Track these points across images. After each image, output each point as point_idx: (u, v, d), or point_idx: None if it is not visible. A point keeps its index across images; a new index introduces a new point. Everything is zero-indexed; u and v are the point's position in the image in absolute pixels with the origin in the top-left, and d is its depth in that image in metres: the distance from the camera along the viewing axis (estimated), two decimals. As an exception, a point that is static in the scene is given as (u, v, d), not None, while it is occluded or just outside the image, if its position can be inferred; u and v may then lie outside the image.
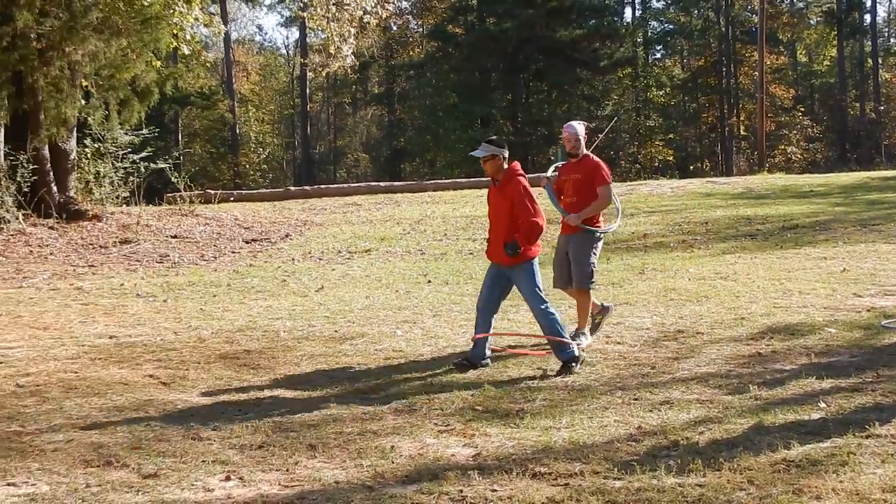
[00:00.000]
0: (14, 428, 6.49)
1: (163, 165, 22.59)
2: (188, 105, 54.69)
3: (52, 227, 19.34)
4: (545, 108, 53.98)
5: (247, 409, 6.91)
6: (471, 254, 16.33)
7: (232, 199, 26.19)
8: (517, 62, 50.83)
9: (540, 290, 8.15)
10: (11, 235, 18.42)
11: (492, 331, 8.34)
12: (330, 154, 66.04)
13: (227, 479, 5.35)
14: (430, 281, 13.60)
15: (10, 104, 19.88)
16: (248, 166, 58.91)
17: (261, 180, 57.25)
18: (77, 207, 20.89)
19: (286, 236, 19.50)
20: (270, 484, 5.25)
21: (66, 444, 6.08)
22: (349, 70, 40.75)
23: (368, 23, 32.24)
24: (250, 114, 63.40)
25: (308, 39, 58.26)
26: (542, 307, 8.07)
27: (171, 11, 23.40)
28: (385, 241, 18.07)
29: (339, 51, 31.33)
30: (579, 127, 9.34)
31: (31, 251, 17.58)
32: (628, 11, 64.47)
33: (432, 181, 30.15)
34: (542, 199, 8.98)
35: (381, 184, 30.62)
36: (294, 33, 66.75)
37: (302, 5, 35.46)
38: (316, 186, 31.61)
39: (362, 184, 33.73)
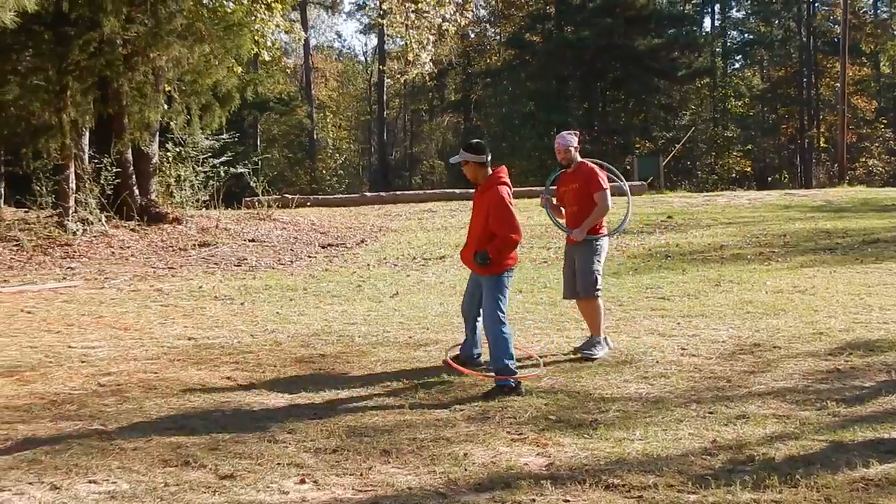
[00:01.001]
0: (96, 426, 6.61)
1: (242, 170, 22.89)
2: (267, 110, 55.35)
3: (133, 230, 19.70)
4: (622, 118, 53.72)
5: (321, 412, 6.96)
6: (545, 262, 16.30)
7: (309, 203, 26.45)
8: (594, 71, 50.68)
9: (501, 310, 7.75)
10: (94, 237, 18.81)
11: (478, 336, 8.33)
12: (405, 160, 66.30)
13: (302, 482, 5.40)
14: (504, 289, 13.58)
15: (96, 108, 20.29)
16: (324, 171, 59.45)
17: (337, 185, 57.72)
18: (158, 210, 21.25)
19: (362, 242, 19.63)
20: (344, 488, 5.29)
21: (146, 443, 6.18)
22: (427, 77, 40.92)
23: (447, 30, 32.32)
24: (328, 119, 63.99)
25: (386, 46, 58.66)
26: (496, 328, 7.70)
27: (253, 18, 23.75)
28: (459, 248, 18.08)
29: (418, 58, 31.49)
30: (570, 137, 9.29)
31: (113, 253, 17.93)
32: (707, 21, 63.90)
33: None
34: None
35: (457, 191, 30.62)
36: (372, 40, 67.31)
37: (381, 13, 35.64)
38: (391, 193, 31.81)
39: (437, 190, 33.78)
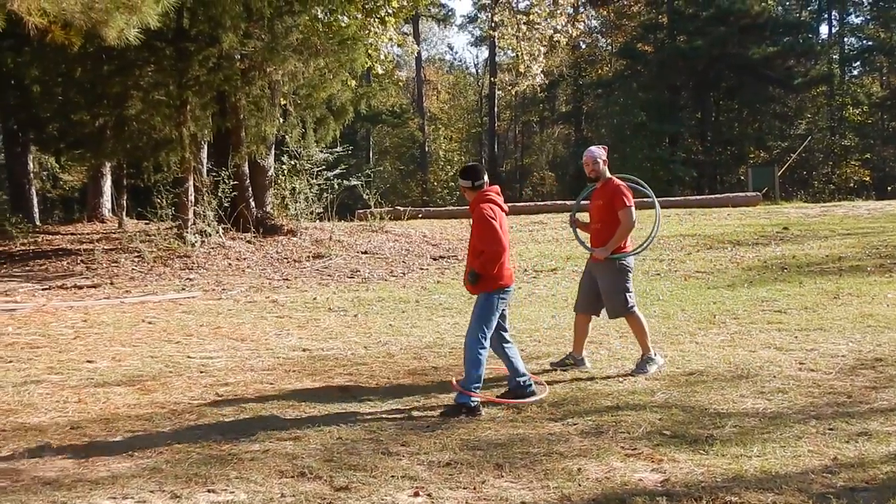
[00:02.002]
0: (214, 436, 6.73)
1: (355, 182, 23.14)
2: (380, 123, 55.93)
3: (249, 241, 20.07)
4: (735, 127, 52.88)
5: (434, 425, 6.98)
6: (658, 274, 16.11)
7: (420, 215, 26.61)
8: (707, 80, 50.02)
9: (485, 330, 7.61)
10: (212, 248, 19.21)
11: (514, 360, 8.02)
12: (516, 172, 66.18)
13: (416, 494, 5.40)
14: (616, 302, 13.47)
15: (214, 122, 20.74)
16: (436, 183, 59.75)
17: (448, 197, 57.84)
18: (273, 222, 21.61)
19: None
20: (458, 502, 5.27)
21: (263, 453, 6.26)
22: (538, 88, 40.88)
23: (558, 42, 32.28)
24: (439, 132, 64.30)
25: (497, 58, 58.70)
26: (475, 347, 7.57)
27: (367, 32, 24.03)
28: (571, 261, 18.01)
29: (529, 69, 31.48)
30: (598, 150, 9.11)
31: (229, 264, 18.28)
32: (824, 28, 62.40)
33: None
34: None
35: (568, 202, 30.52)
36: (484, 52, 67.24)
37: (493, 25, 35.73)
38: (503, 205, 31.73)
39: (548, 202, 33.70)
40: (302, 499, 5.34)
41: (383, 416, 7.32)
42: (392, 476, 5.73)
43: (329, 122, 23.29)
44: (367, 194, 23.87)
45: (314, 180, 22.33)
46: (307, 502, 5.30)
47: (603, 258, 8.85)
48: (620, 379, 8.44)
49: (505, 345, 8.00)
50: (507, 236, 7.77)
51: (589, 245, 9.19)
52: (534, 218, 26.18)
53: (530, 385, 7.92)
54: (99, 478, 5.77)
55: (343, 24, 22.83)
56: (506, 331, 8.02)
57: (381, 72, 29.01)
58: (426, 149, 59.81)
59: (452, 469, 5.86)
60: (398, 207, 26.57)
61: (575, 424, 6.89)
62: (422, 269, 18.18)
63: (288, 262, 18.72)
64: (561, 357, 9.24)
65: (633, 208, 8.83)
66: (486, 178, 7.96)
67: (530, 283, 15.98)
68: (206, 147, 22.79)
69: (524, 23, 31.12)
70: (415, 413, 7.39)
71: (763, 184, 33.68)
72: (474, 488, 5.49)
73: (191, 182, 20.53)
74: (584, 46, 60.22)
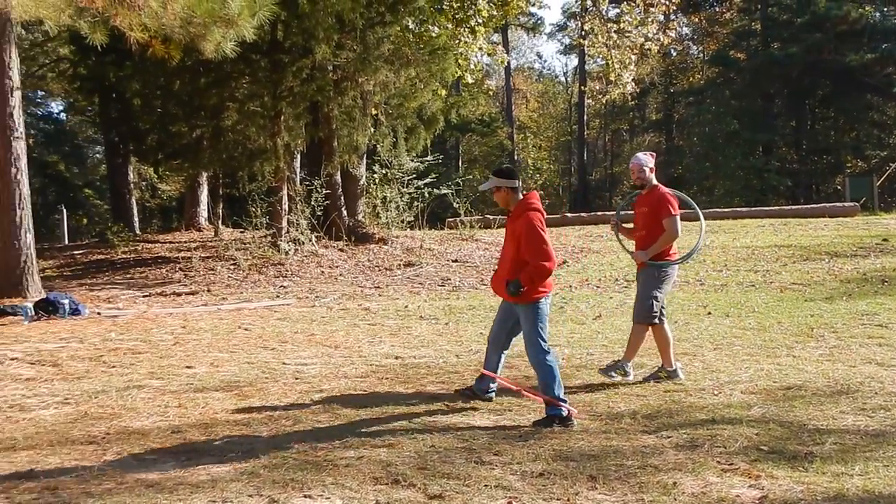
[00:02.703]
0: (310, 442, 6.83)
1: (445, 191, 23.25)
2: (469, 132, 56.04)
3: (341, 249, 20.30)
4: (831, 136, 51.84)
5: (527, 435, 7.00)
6: (752, 286, 15.91)
7: (618, 220, 26.57)
8: (802, 87, 49.17)
9: (542, 338, 7.56)
10: (305, 256, 19.47)
11: (501, 367, 8.12)
12: (606, 181, 65.83)
13: (509, 505, 5.43)
14: (710, 313, 13.36)
15: (307, 132, 21.03)
16: (525, 192, 59.61)
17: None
18: (365, 231, 21.82)
19: (563, 263, 19.62)
20: (551, 512, 5.30)
21: (357, 460, 6.33)
22: (628, 97, 40.63)
23: (649, 49, 32.09)
24: (528, 140, 64.22)
25: (587, 66, 58.51)
26: (540, 357, 7.54)
27: (457, 42, 24.15)
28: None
29: (620, 78, 31.35)
30: (644, 157, 9.01)
31: (322, 272, 18.50)
32: (926, 33, 60.82)
33: (710, 210, 29.52)
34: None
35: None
36: (573, 60, 67.10)
37: (582, 33, 35.63)
38: (592, 213, 31.62)
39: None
40: (396, 506, 5.40)
41: (476, 424, 7.36)
42: (485, 485, 5.75)
43: (420, 132, 23.47)
44: (457, 203, 23.97)
45: (405, 189, 22.51)
46: (402, 509, 5.35)
47: (641, 262, 8.85)
48: (715, 392, 8.35)
49: (503, 352, 8.08)
50: None
51: (632, 251, 9.19)
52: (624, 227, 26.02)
53: (490, 399, 8.05)
54: (199, 481, 5.89)
55: (434, 35, 23.01)
56: (510, 341, 8.07)
57: (470, 81, 29.14)
58: (515, 157, 59.72)
59: (545, 480, 5.86)
60: (488, 216, 26.59)
61: (669, 437, 6.84)
62: (512, 278, 18.17)
63: (379, 271, 18.90)
64: (653, 370, 9.17)
65: (678, 217, 8.78)
66: None
67: (622, 292, 15.89)
68: (299, 157, 23.15)
69: (615, 31, 31.02)
70: (506, 422, 7.42)
71: (861, 194, 32.98)
72: (567, 500, 5.49)
73: (284, 191, 20.84)
74: (675, 54, 59.65)
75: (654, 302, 8.81)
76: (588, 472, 6.01)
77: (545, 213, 7.80)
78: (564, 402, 7.42)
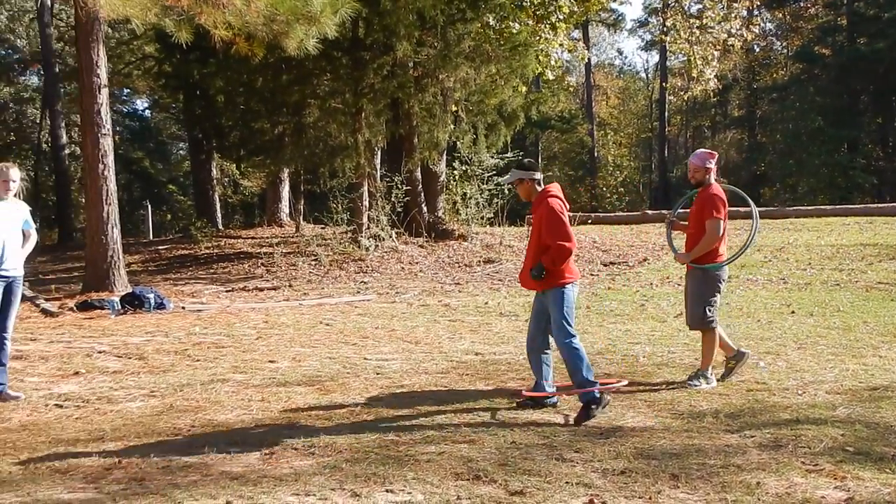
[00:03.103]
0: (391, 437, 6.87)
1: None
2: (549, 129, 55.83)
3: (421, 246, 20.37)
4: (919, 133, 50.72)
5: (608, 432, 6.95)
6: (837, 284, 15.64)
7: (590, 221, 26.48)
8: (889, 84, 48.10)
9: (569, 322, 7.59)
10: (385, 252, 19.57)
11: (548, 368, 8.02)
12: (687, 178, 65.10)
13: (591, 502, 5.37)
14: (793, 312, 13.16)
15: (388, 129, 21.13)
16: (604, 189, 59.27)
17: (617, 203, 57.36)
18: (444, 227, 21.87)
19: (644, 260, 19.48)
20: (634, 511, 5.25)
21: (438, 455, 6.35)
22: (710, 93, 40.17)
23: (732, 45, 31.70)
24: (608, 137, 63.80)
25: (668, 63, 57.93)
26: (567, 341, 7.55)
27: (538, 38, 24.06)
28: (745, 269, 17.65)
29: (702, 74, 31.02)
30: (705, 156, 8.85)
31: (402, 268, 18.59)
32: None
33: (794, 208, 29.08)
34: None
35: (741, 209, 29.87)
36: (654, 57, 66.44)
37: (664, 29, 35.32)
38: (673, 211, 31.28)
39: (721, 209, 32.96)
40: (478, 502, 5.38)
41: (556, 421, 7.34)
42: (566, 482, 5.72)
43: (500, 128, 23.44)
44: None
45: (485, 185, 22.50)
46: (483, 505, 5.34)
47: (682, 263, 8.76)
48: (799, 391, 8.22)
49: (544, 353, 8.02)
50: None
51: (677, 249, 9.11)
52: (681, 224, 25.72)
53: (555, 404, 7.95)
54: (282, 474, 5.95)
55: (514, 31, 22.95)
56: (548, 340, 7.99)
57: (551, 77, 29.02)
58: (595, 154, 59.39)
59: (627, 478, 5.82)
60: (568, 213, 26.46)
61: (752, 437, 6.74)
62: (592, 274, 18.11)
63: (459, 267, 18.93)
64: (722, 371, 9.05)
65: (721, 220, 8.59)
66: None
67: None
68: (379, 153, 23.26)
69: (697, 27, 30.69)
70: (587, 420, 7.37)
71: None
72: (650, 498, 5.44)
73: (365, 187, 20.97)
74: (758, 50, 58.77)
75: (708, 308, 8.66)
76: (670, 470, 5.94)
77: (566, 202, 7.82)
78: (595, 383, 7.49)
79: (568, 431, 6.99)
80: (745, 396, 8.08)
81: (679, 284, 16.46)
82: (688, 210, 9.32)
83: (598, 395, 7.41)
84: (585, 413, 7.36)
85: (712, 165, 8.83)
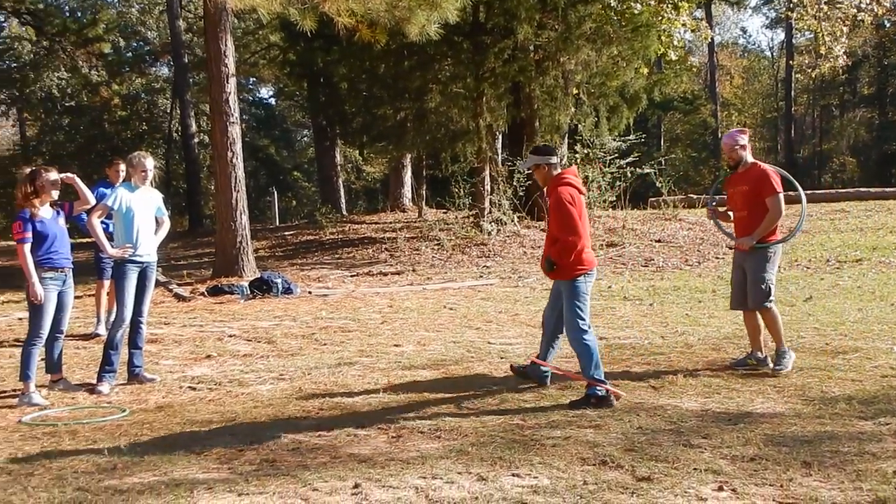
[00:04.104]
0: (516, 421, 6.90)
1: (647, 170, 22.93)
2: (671, 110, 55.08)
3: (543, 230, 20.25)
4: None
5: (736, 418, 6.84)
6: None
7: (714, 203, 26.02)
8: None
9: (581, 316, 7.50)
10: (507, 237, 19.59)
11: (553, 352, 8.07)
12: (814, 158, 63.53)
13: (720, 489, 5.31)
14: (929, 295, 12.77)
15: (509, 113, 21.12)
16: (729, 170, 58.21)
17: (742, 185, 56.20)
18: (566, 210, 21.71)
19: (771, 244, 19.11)
20: (764, 499, 5.14)
21: (564, 440, 6.34)
22: (839, 71, 39.08)
23: (862, 20, 30.76)
24: (732, 117, 62.61)
25: (794, 40, 56.53)
26: (577, 335, 7.50)
27: (660, 19, 23.75)
28: (878, 251, 17.18)
29: (830, 51, 30.19)
30: (738, 134, 8.56)
31: (524, 252, 18.59)
32: None
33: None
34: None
35: (871, 190, 29.06)
36: (780, 34, 64.93)
37: (790, 5, 34.47)
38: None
39: (850, 189, 32.17)
40: (604, 487, 5.36)
41: (683, 406, 7.25)
42: (694, 468, 5.65)
43: (622, 110, 23.21)
44: (659, 182, 23.61)
45: (607, 169, 22.31)
46: (609, 491, 5.30)
47: (749, 247, 8.48)
48: (936, 377, 7.98)
49: (556, 336, 8.04)
50: (586, 222, 7.63)
51: (733, 234, 8.86)
52: (834, 206, 25.07)
53: (547, 377, 8.06)
54: (409, 457, 6.02)
55: (636, 12, 22.70)
56: (561, 324, 7.87)
57: (674, 58, 28.59)
58: (719, 135, 58.29)
59: (757, 465, 5.72)
60: (691, 195, 26.11)
61: (888, 424, 6.55)
62: (717, 258, 17.84)
63: (581, 251, 18.83)
64: (742, 356, 8.90)
65: (781, 195, 8.40)
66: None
67: (833, 273, 15.36)
68: (500, 137, 23.27)
69: (825, 2, 29.86)
70: (715, 405, 7.28)
71: None
72: (781, 486, 5.34)
73: (487, 172, 21.02)
74: (888, 25, 56.88)
75: (770, 286, 8.48)
76: (802, 457, 5.83)
77: (581, 189, 7.70)
78: (603, 382, 7.42)
79: (696, 417, 6.90)
80: (880, 382, 7.87)
81: (808, 268, 16.13)
82: (724, 195, 9.12)
83: (601, 395, 7.34)
84: (584, 401, 7.38)
85: (745, 142, 8.64)
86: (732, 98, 66.24)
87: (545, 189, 7.82)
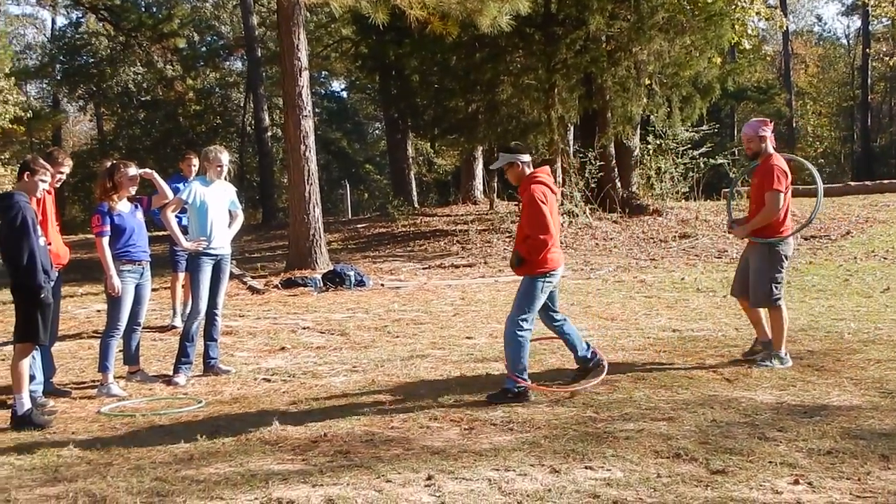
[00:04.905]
0: (589, 413, 6.89)
1: (720, 161, 22.68)
2: (745, 99, 54.33)
3: (615, 221, 20.24)
4: None
5: (812, 411, 6.77)
6: None
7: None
8: None
9: (526, 314, 7.53)
10: (579, 228, 19.54)
11: (578, 342, 8.03)
12: (891, 147, 62.29)
13: (796, 482, 5.26)
14: None
15: (581, 104, 21.04)
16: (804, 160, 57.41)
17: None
18: (638, 202, 21.66)
19: (847, 234, 18.83)
20: (841, 493, 5.09)
21: (637, 433, 6.32)
22: (918, 58, 38.32)
23: (942, 6, 30.13)
24: (807, 107, 61.61)
25: (871, 27, 55.46)
26: (513, 329, 7.51)
27: (734, 7, 23.47)
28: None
29: (909, 38, 29.61)
30: (758, 125, 8.38)
31: (596, 244, 18.52)
32: None
33: None
34: None
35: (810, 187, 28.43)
36: (856, 22, 63.71)
37: (867, -8, 33.88)
38: (877, 182, 29.97)
39: (930, 179, 31.45)
40: (678, 480, 5.34)
41: (757, 399, 7.19)
42: (770, 462, 5.61)
43: (695, 101, 22.96)
44: (732, 173, 23.34)
45: (679, 159, 22.13)
46: (683, 484, 5.28)
47: (740, 237, 8.50)
48: None
49: (555, 323, 8.00)
50: (558, 220, 7.68)
51: (734, 221, 8.85)
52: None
53: (596, 356, 7.99)
54: (482, 449, 6.06)
55: (709, 0, 22.43)
56: (555, 311, 7.99)
57: (747, 47, 28.21)
58: (794, 125, 57.47)
59: (833, 458, 5.66)
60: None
61: (968, 418, 6.46)
62: (793, 249, 17.61)
63: (654, 242, 18.73)
64: (750, 345, 8.82)
65: (782, 193, 8.21)
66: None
67: (912, 265, 15.11)
68: (572, 129, 23.18)
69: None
70: (790, 398, 7.20)
71: None
72: (858, 479, 5.28)
73: (558, 163, 20.96)
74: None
75: (774, 285, 8.34)
76: (880, 450, 5.75)
77: (553, 188, 7.72)
78: (524, 378, 7.47)
79: (770, 410, 6.84)
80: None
81: (885, 258, 15.88)
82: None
83: (518, 391, 7.44)
84: (500, 395, 7.46)
85: (767, 133, 8.50)
86: (807, 87, 65.16)
87: (518, 188, 7.85)
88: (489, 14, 15.45)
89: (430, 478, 5.47)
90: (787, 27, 42.46)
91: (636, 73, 21.63)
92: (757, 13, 27.03)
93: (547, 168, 7.95)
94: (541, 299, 7.66)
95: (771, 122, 8.72)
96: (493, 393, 7.53)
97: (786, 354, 8.44)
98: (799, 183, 20.89)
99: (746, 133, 8.61)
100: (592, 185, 20.87)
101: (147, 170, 8.79)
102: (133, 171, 8.48)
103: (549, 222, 7.45)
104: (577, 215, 20.21)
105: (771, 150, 8.53)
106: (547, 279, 7.62)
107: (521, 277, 7.72)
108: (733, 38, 24.45)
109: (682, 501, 4.99)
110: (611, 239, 19.06)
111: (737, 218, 9.11)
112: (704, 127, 23.06)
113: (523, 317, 7.55)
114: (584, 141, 22.19)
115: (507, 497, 5.12)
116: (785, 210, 8.35)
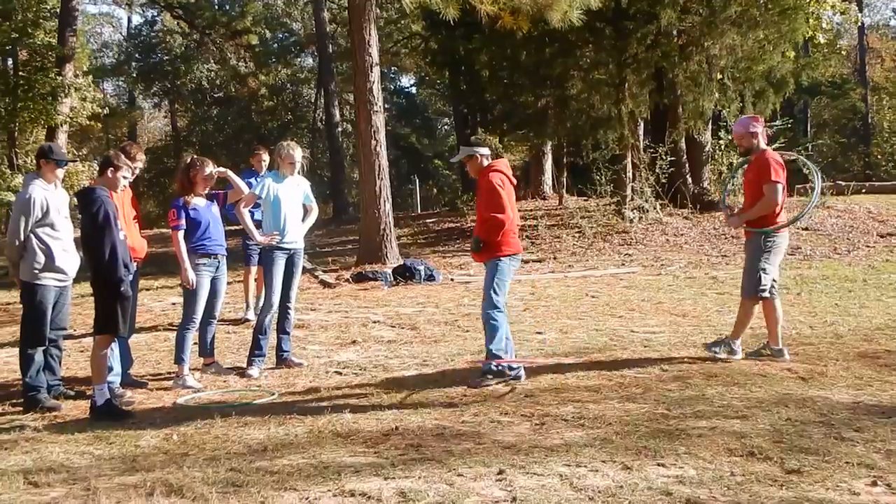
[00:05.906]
0: (661, 410, 6.84)
1: (793, 157, 22.33)
2: (818, 94, 53.52)
3: (686, 217, 20.08)
4: None
5: (891, 412, 6.65)
6: None
7: (864, 191, 25.32)
8: None
9: (498, 292, 7.87)
10: (649, 224, 19.41)
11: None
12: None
13: (874, 484, 5.18)
14: None
15: (651, 99, 20.90)
16: (880, 157, 56.30)
17: (894, 171, 54.43)
18: (710, 198, 21.46)
19: (913, 231, 18.54)
20: (922, 494, 5.01)
21: (710, 430, 6.26)
22: None
23: None
24: (884, 102, 60.50)
25: (952, 20, 54.32)
26: (490, 311, 7.84)
27: (808, 1, 23.15)
28: None
29: None
30: (749, 122, 8.34)
31: (667, 240, 18.39)
32: None
33: None
34: None
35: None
36: (936, 14, 62.39)
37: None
38: (958, 178, 29.41)
39: None
40: (752, 479, 5.28)
41: (833, 398, 7.09)
42: (846, 462, 5.52)
43: (768, 96, 22.66)
44: (806, 169, 22.99)
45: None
46: (758, 483, 5.22)
47: (736, 227, 8.54)
48: None
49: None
50: (515, 210, 7.90)
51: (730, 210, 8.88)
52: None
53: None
54: (553, 445, 6.04)
55: (783, -6, 22.16)
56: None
57: (822, 41, 27.84)
58: (869, 121, 56.45)
59: (914, 460, 5.57)
60: (839, 182, 25.36)
61: None
62: (868, 246, 17.35)
63: (725, 238, 18.54)
64: (757, 347, 8.79)
65: (779, 185, 8.17)
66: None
67: None
68: (643, 124, 23.02)
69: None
70: (867, 398, 7.09)
71: None
72: (938, 482, 5.20)
73: (629, 159, 20.84)
74: None
75: (763, 275, 8.33)
76: (962, 453, 5.65)
77: (511, 179, 8.04)
78: (500, 358, 7.82)
79: (847, 409, 6.74)
80: None
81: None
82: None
83: (500, 370, 7.85)
84: (480, 380, 7.82)
85: (758, 129, 8.51)
86: (884, 82, 63.96)
87: (477, 179, 8.16)
88: (560, 9, 15.41)
89: (501, 472, 5.47)
90: (862, 21, 41.79)
91: (708, 67, 21.41)
92: (832, 7, 26.64)
93: (504, 160, 8.31)
94: (507, 281, 7.98)
95: (760, 118, 8.82)
96: (473, 378, 7.92)
97: (738, 347, 8.59)
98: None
99: (737, 131, 8.71)
100: (663, 181, 20.71)
101: (221, 168, 8.90)
102: (209, 169, 8.60)
103: (506, 204, 7.79)
104: (647, 211, 20.08)
105: (763, 145, 8.59)
106: (511, 260, 7.99)
107: (487, 263, 7.99)
108: (807, 33, 24.11)
109: (756, 501, 4.93)
110: (681, 235, 18.90)
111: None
112: (778, 122, 22.78)
113: (496, 296, 7.89)
114: (655, 136, 22.02)
115: (579, 493, 5.10)
116: (781, 202, 8.39)
